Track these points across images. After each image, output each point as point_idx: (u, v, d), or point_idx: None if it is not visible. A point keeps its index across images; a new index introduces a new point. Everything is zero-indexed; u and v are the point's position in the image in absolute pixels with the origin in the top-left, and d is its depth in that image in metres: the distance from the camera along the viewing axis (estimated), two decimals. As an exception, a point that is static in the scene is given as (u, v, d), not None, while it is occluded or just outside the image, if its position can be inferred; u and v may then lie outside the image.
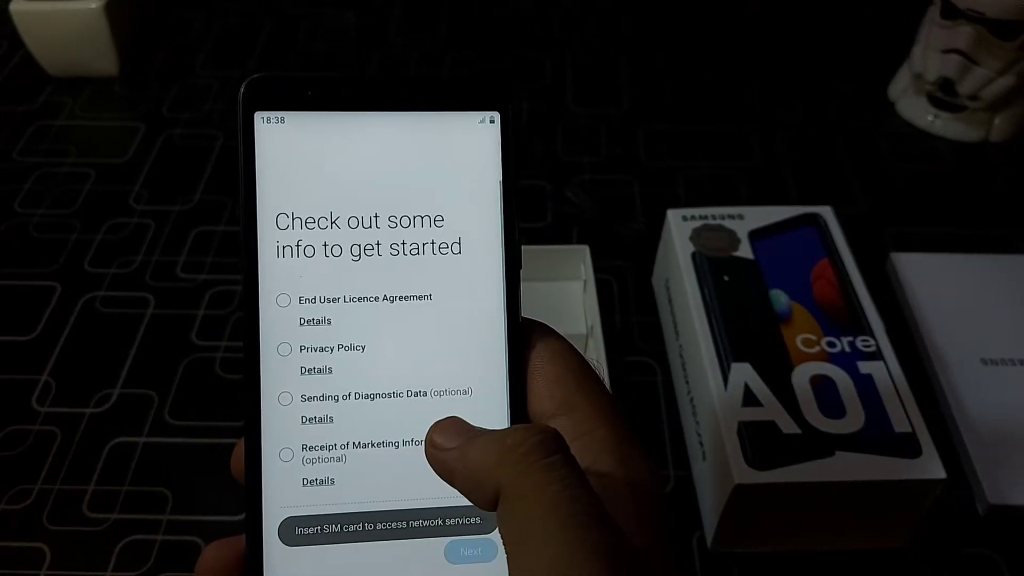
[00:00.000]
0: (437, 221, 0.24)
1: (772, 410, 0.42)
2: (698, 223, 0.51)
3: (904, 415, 0.42)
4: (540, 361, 0.24)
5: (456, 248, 0.24)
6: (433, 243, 0.24)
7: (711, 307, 0.47)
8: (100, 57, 0.70)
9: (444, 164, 0.24)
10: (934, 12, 0.64)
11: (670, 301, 0.52)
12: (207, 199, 0.62)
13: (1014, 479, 0.45)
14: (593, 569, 0.18)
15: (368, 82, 0.24)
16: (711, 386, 0.43)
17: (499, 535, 0.21)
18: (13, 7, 0.67)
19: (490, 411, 0.24)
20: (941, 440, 0.43)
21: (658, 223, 0.54)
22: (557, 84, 0.72)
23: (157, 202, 0.61)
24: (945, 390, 0.49)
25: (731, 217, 0.51)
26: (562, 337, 0.25)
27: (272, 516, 0.23)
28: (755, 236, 0.50)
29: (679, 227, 0.51)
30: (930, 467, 0.40)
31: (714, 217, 0.51)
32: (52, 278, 0.56)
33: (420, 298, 0.24)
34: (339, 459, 0.24)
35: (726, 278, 0.48)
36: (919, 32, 0.66)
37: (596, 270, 0.52)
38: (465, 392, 0.24)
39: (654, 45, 0.76)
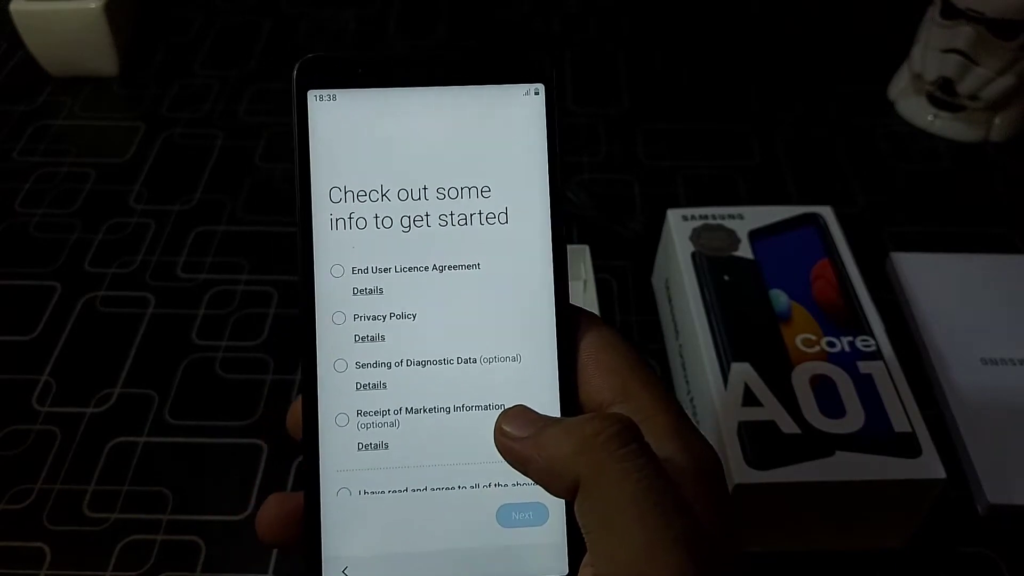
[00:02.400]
0: (484, 192, 0.25)
1: (772, 410, 0.42)
2: (698, 223, 0.51)
3: (904, 415, 0.42)
4: (593, 351, 0.24)
5: (503, 218, 0.25)
6: (480, 213, 0.25)
7: (711, 307, 0.47)
8: (100, 57, 0.70)
9: (491, 136, 0.25)
10: (934, 12, 0.64)
11: (670, 301, 0.52)
12: (207, 199, 0.62)
13: (1014, 479, 0.45)
14: (675, 557, 0.19)
15: (416, 59, 0.25)
16: (711, 386, 0.43)
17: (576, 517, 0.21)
18: (13, 7, 0.67)
19: (539, 378, 0.25)
20: (941, 440, 0.43)
21: (658, 223, 0.54)
22: (557, 83, 0.72)
23: (157, 202, 0.61)
24: (945, 390, 0.49)
25: (731, 217, 0.51)
26: (611, 326, 0.25)
27: (329, 479, 0.24)
28: (755, 236, 0.50)
29: (679, 227, 0.51)
30: (930, 467, 0.40)
31: (714, 217, 0.51)
32: (52, 278, 0.56)
33: (468, 267, 0.25)
34: (392, 424, 0.25)
35: (726, 278, 0.48)
36: (919, 32, 0.66)
37: (596, 270, 0.52)
38: (514, 359, 0.25)
39: (653, 45, 0.76)
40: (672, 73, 0.73)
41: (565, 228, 0.25)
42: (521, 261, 0.25)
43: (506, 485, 0.24)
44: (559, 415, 0.25)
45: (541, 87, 0.25)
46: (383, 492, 0.24)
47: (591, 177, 0.63)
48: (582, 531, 0.21)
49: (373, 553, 0.24)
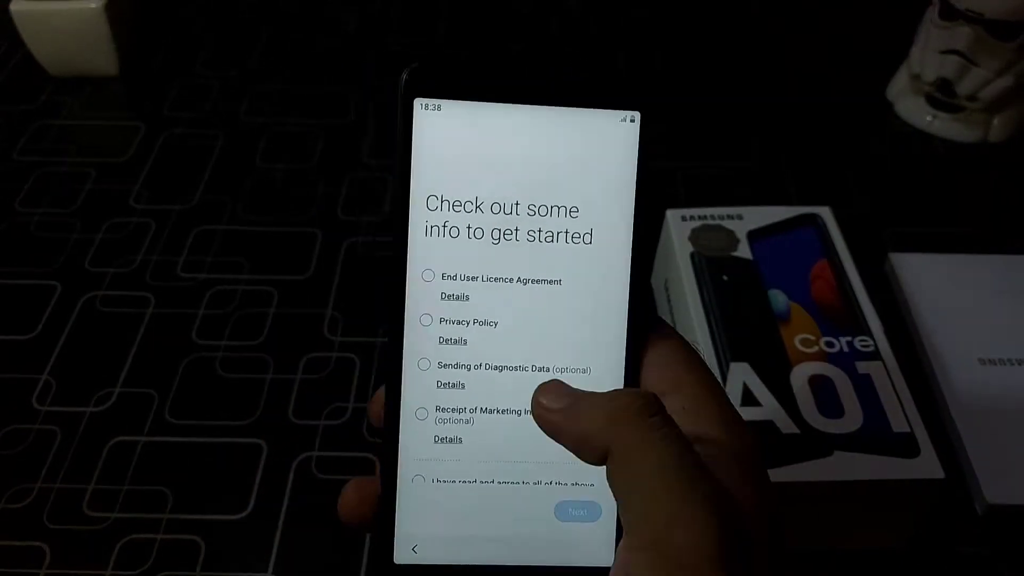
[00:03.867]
0: (572, 212, 0.26)
1: (770, 410, 0.42)
2: (697, 223, 0.51)
3: (902, 415, 0.42)
4: (652, 347, 0.26)
5: (588, 239, 0.26)
6: (567, 232, 0.26)
7: (710, 307, 0.47)
8: (100, 57, 0.70)
9: (584, 158, 0.26)
10: (932, 13, 0.64)
11: (669, 301, 0.52)
12: (207, 199, 0.62)
13: (1012, 479, 0.45)
14: (703, 515, 0.20)
15: (523, 76, 0.26)
16: (710, 386, 0.43)
17: (606, 493, 0.23)
18: (13, 7, 0.67)
19: (606, 388, 0.26)
20: (939, 440, 0.43)
21: (657, 223, 0.54)
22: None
23: (157, 201, 0.61)
24: (943, 390, 0.49)
25: (730, 217, 0.51)
26: (673, 328, 0.27)
27: (406, 467, 0.26)
28: (754, 236, 0.50)
29: (678, 227, 0.51)
30: (928, 467, 0.40)
31: (713, 217, 0.51)
32: (52, 277, 0.56)
33: (551, 282, 0.26)
34: (467, 421, 0.26)
35: (725, 278, 0.48)
36: (917, 33, 0.67)
37: (595, 270, 0.52)
38: (584, 371, 0.26)
39: (653, 45, 0.76)
40: (671, 73, 0.74)
41: (647, 252, 0.26)
42: (599, 280, 0.26)
43: (566, 484, 0.26)
44: None
45: (637, 115, 0.26)
46: (454, 481, 0.26)
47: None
48: (614, 496, 0.22)
49: (441, 534, 0.26)
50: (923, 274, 0.55)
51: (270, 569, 0.42)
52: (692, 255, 0.50)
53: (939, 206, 0.62)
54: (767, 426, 0.41)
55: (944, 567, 0.43)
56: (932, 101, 0.67)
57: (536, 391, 0.25)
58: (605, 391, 0.24)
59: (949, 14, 0.62)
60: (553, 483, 0.26)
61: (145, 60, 0.73)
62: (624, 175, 0.26)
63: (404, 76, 0.25)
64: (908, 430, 0.41)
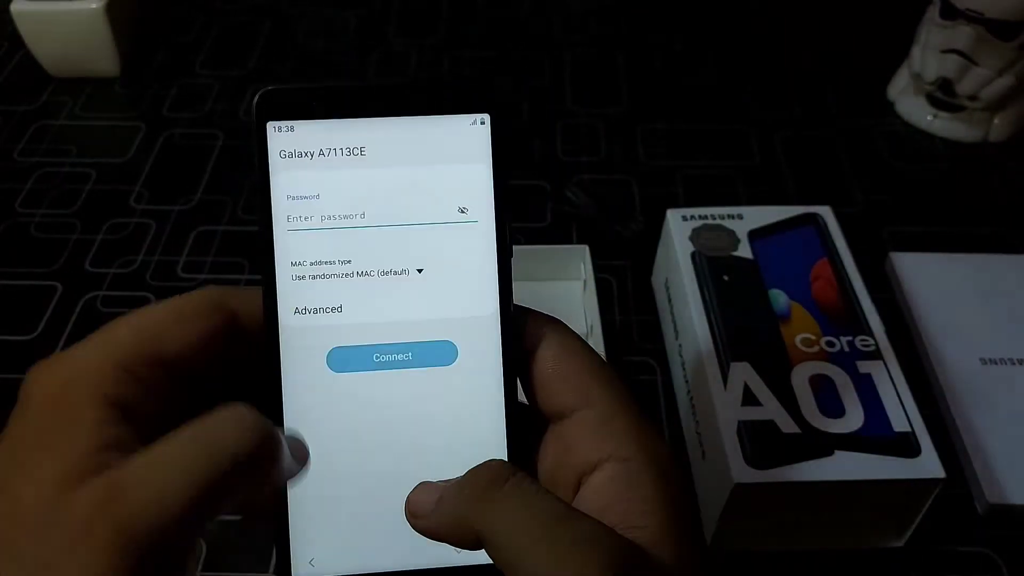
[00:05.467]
0: (430, 216, 0.26)
1: (771, 409, 0.42)
2: (698, 223, 0.51)
3: (903, 414, 0.42)
4: (555, 360, 0.25)
5: (447, 229, 0.26)
6: (427, 224, 0.26)
7: (710, 307, 0.47)
8: (100, 57, 0.70)
9: (440, 162, 0.26)
10: (933, 12, 0.64)
11: (670, 301, 0.52)
12: (208, 199, 0.62)
13: (1013, 478, 0.45)
14: (580, 555, 0.20)
15: (367, 91, 0.26)
16: (710, 385, 0.43)
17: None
18: (13, 7, 0.67)
19: (480, 380, 0.26)
20: (940, 439, 0.43)
21: (658, 223, 0.54)
22: (556, 84, 0.72)
23: (158, 202, 0.61)
24: (944, 389, 0.49)
25: (730, 217, 0.51)
26: (572, 331, 0.26)
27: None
28: (754, 236, 0.50)
29: (679, 227, 0.51)
30: (929, 466, 0.40)
31: (714, 217, 0.51)
32: (53, 278, 0.56)
33: (419, 271, 0.26)
34: (349, 430, 0.26)
35: (726, 278, 0.48)
36: (918, 32, 0.67)
37: (596, 270, 0.52)
38: (457, 367, 0.26)
39: (653, 45, 0.76)
40: (672, 73, 0.74)
41: (511, 245, 0.26)
42: (465, 273, 0.26)
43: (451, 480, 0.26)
44: (503, 417, 0.26)
45: (487, 117, 0.26)
46: (343, 491, 0.26)
47: (591, 177, 0.63)
48: (504, 572, 0.22)
49: (335, 545, 0.25)
50: (924, 274, 0.55)
51: (270, 569, 0.42)
52: (693, 255, 0.50)
53: (939, 206, 0.62)
54: (768, 425, 0.41)
55: (944, 567, 0.43)
56: (933, 100, 0.67)
57: (406, 502, 0.25)
58: (457, 477, 0.24)
59: (949, 13, 0.62)
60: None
61: (145, 60, 0.73)
62: (481, 175, 0.26)
63: (255, 102, 0.25)
64: (909, 429, 0.41)
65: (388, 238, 0.26)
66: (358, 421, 0.26)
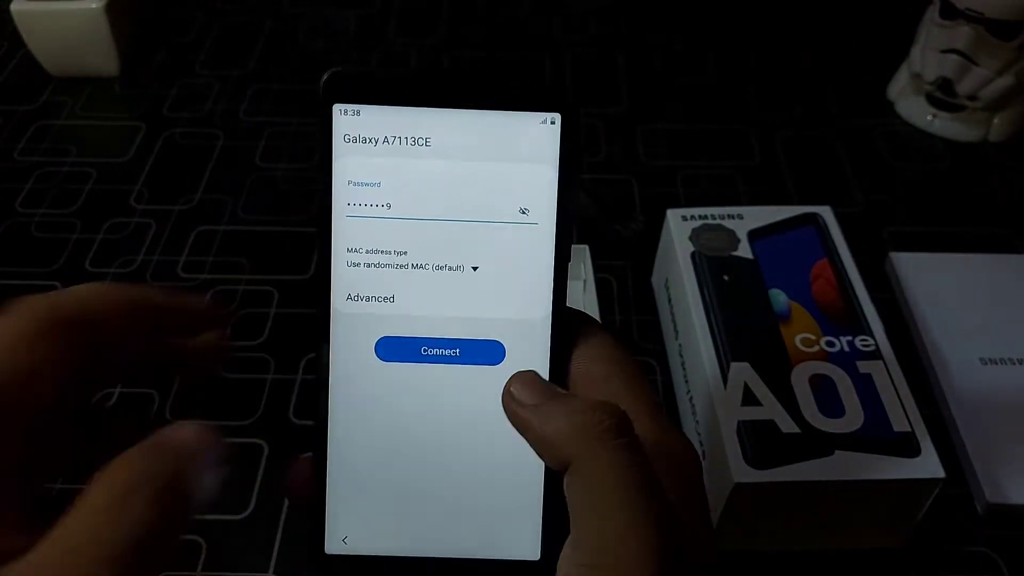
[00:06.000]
0: (492, 211, 0.26)
1: (771, 409, 0.42)
2: (698, 223, 0.51)
3: (903, 414, 0.42)
4: (587, 362, 0.26)
5: (509, 233, 0.26)
6: (488, 228, 0.26)
7: (710, 307, 0.47)
8: (100, 57, 0.70)
9: (504, 160, 0.26)
10: (933, 12, 0.64)
11: (670, 301, 0.52)
12: (208, 198, 0.62)
13: (1013, 478, 0.45)
14: (650, 533, 0.21)
15: (437, 79, 0.26)
16: (710, 385, 0.43)
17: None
18: (13, 7, 0.67)
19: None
20: (940, 439, 0.43)
21: (658, 223, 0.54)
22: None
23: (158, 202, 0.61)
24: (944, 389, 0.49)
25: (731, 217, 0.51)
26: (606, 331, 0.27)
27: (336, 457, 0.26)
28: (754, 236, 0.50)
29: (679, 227, 0.51)
30: (929, 466, 0.40)
31: (714, 217, 0.51)
32: (53, 278, 0.56)
33: (474, 268, 0.26)
34: (395, 414, 0.26)
35: (725, 278, 0.48)
36: (918, 32, 0.67)
37: (596, 270, 0.52)
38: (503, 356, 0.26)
39: (653, 45, 0.76)
40: (672, 73, 0.74)
41: (570, 250, 0.26)
42: (520, 270, 0.26)
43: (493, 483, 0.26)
44: None
45: (558, 116, 0.26)
46: (384, 473, 0.26)
47: (591, 177, 0.63)
48: (568, 505, 0.22)
49: (371, 525, 0.26)
50: (924, 274, 0.55)
51: (271, 569, 0.42)
52: (693, 255, 0.50)
53: (939, 206, 0.62)
54: (767, 425, 0.41)
55: (944, 567, 0.43)
56: (933, 100, 0.67)
57: (510, 379, 0.25)
58: (579, 399, 0.24)
59: (949, 13, 0.62)
60: (483, 476, 0.26)
61: (145, 60, 0.73)
62: (546, 177, 0.26)
63: (323, 82, 0.25)
64: (909, 429, 0.41)
65: (446, 233, 0.26)
66: (401, 410, 0.26)
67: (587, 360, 0.26)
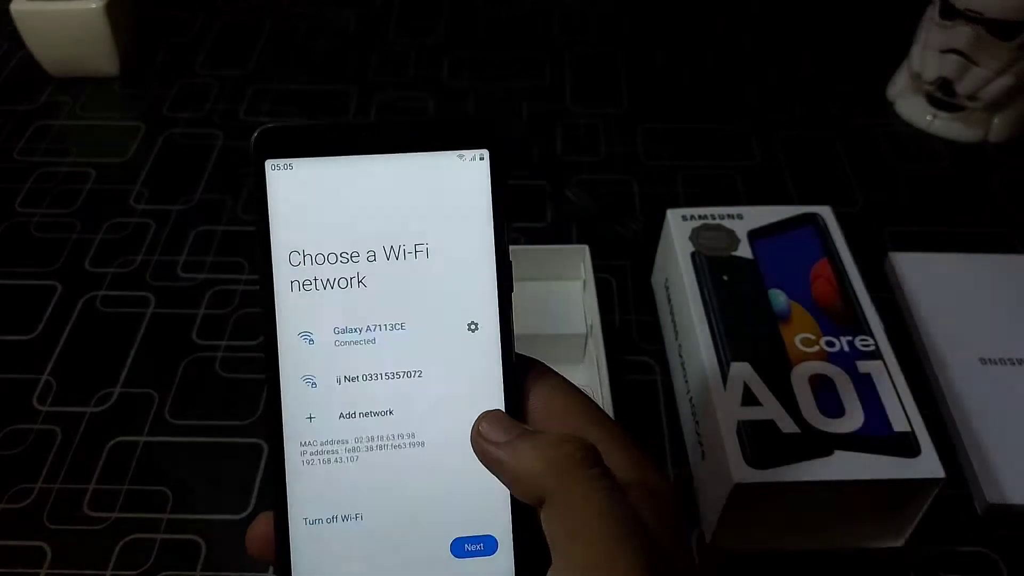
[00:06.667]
0: (429, 251, 0.26)
1: (771, 409, 0.42)
2: (697, 223, 0.51)
3: (903, 414, 0.42)
4: (544, 400, 0.26)
5: (446, 275, 0.26)
6: (424, 270, 0.26)
7: (710, 307, 0.47)
8: (100, 57, 0.70)
9: (438, 199, 0.26)
10: (933, 12, 0.64)
11: (669, 301, 0.52)
12: (207, 198, 0.62)
13: (1012, 478, 0.45)
14: (635, 560, 0.21)
15: (365, 127, 0.26)
16: (710, 385, 0.43)
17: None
18: (13, 7, 0.67)
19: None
20: (940, 439, 0.43)
21: (658, 223, 0.54)
22: (557, 84, 0.72)
23: (157, 201, 0.61)
24: (944, 389, 0.49)
25: (730, 217, 0.51)
26: (557, 374, 0.27)
27: (297, 513, 0.26)
28: (754, 236, 0.50)
29: (679, 227, 0.51)
30: (929, 466, 0.40)
31: (713, 217, 0.51)
32: (52, 277, 0.56)
33: (405, 326, 0.26)
34: (352, 459, 0.26)
35: (725, 278, 0.48)
36: (918, 32, 0.67)
37: (596, 270, 0.52)
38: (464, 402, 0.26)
39: (653, 44, 0.76)
40: (672, 73, 0.74)
41: (510, 289, 0.26)
42: (461, 318, 0.26)
43: (460, 521, 0.26)
44: None
45: (486, 152, 0.26)
46: (347, 527, 0.25)
47: (591, 177, 0.63)
48: (547, 537, 0.23)
49: None
50: (923, 273, 0.55)
51: (271, 570, 0.42)
52: (692, 255, 0.50)
53: (939, 206, 0.62)
54: (767, 425, 0.41)
55: (944, 566, 0.43)
56: (932, 100, 0.67)
57: (479, 419, 0.25)
58: (546, 434, 0.24)
59: (949, 13, 0.62)
60: (447, 521, 0.26)
61: (145, 60, 0.73)
62: (479, 211, 0.26)
63: (253, 139, 0.25)
64: (908, 429, 0.41)
65: (389, 288, 0.26)
66: (371, 451, 0.26)
67: (543, 398, 0.26)
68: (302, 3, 0.80)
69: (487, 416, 0.25)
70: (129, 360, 0.51)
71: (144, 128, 0.67)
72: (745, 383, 0.43)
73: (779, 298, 0.47)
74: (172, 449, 0.47)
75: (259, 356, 0.51)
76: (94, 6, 0.67)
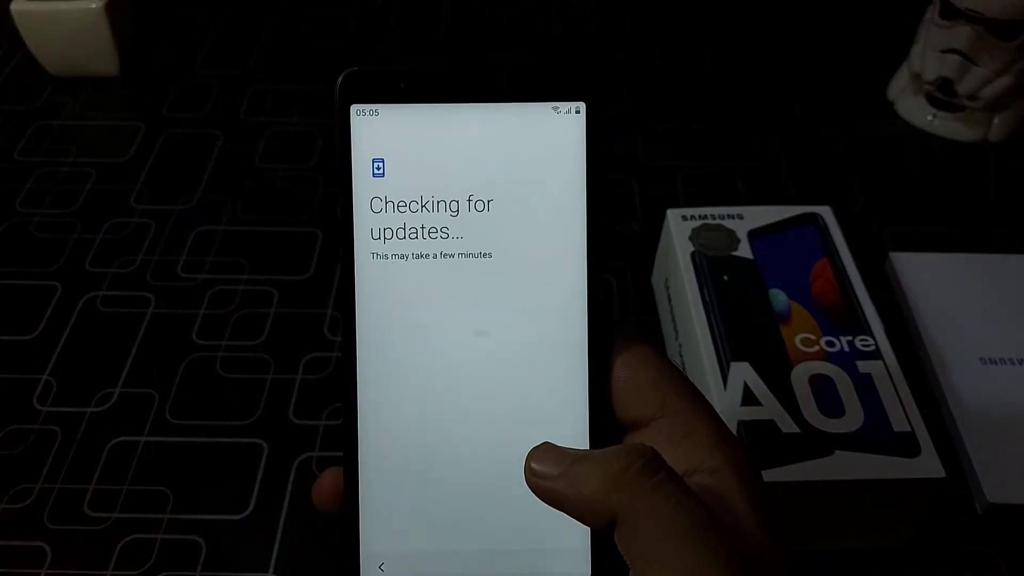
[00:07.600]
0: (518, 207, 0.25)
1: (771, 409, 0.42)
2: (697, 223, 0.51)
3: (903, 414, 0.42)
4: (629, 369, 0.25)
5: (537, 232, 0.25)
6: (514, 226, 0.25)
7: (710, 307, 0.47)
8: (100, 57, 0.70)
9: (527, 153, 0.25)
10: (933, 12, 0.64)
11: (669, 301, 0.52)
12: (207, 198, 0.62)
13: (1013, 478, 0.45)
14: (720, 564, 0.20)
15: (457, 74, 0.25)
16: (710, 385, 0.43)
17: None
18: (13, 7, 0.67)
19: (569, 396, 0.25)
20: (940, 439, 0.43)
21: (658, 223, 0.54)
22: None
23: (157, 202, 0.61)
24: (944, 389, 0.49)
25: (730, 217, 0.51)
26: (645, 340, 0.25)
27: (369, 481, 0.25)
28: (754, 236, 0.50)
29: (678, 227, 0.51)
30: (929, 466, 0.40)
31: (714, 217, 0.51)
32: (53, 278, 0.56)
33: (494, 265, 0.25)
34: (432, 429, 0.25)
35: (725, 278, 0.48)
36: (918, 32, 0.67)
37: (596, 270, 0.52)
38: (542, 378, 0.25)
39: (653, 44, 0.76)
40: (672, 73, 0.74)
41: (603, 248, 0.25)
42: (553, 274, 0.25)
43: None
44: (587, 428, 0.25)
45: (582, 105, 0.25)
46: (420, 496, 0.25)
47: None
48: (626, 560, 0.22)
49: (408, 551, 0.25)
50: (923, 274, 0.55)
51: (271, 569, 0.42)
52: (692, 255, 0.50)
53: (939, 206, 0.62)
54: (767, 425, 0.41)
55: (945, 566, 0.43)
56: (932, 100, 0.67)
57: (528, 456, 0.24)
58: (601, 451, 0.23)
59: (949, 13, 0.62)
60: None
61: (145, 60, 0.73)
62: (571, 170, 0.25)
63: (339, 82, 0.25)
64: (909, 429, 0.41)
65: (477, 239, 0.25)
66: (438, 427, 0.25)
67: (625, 368, 0.25)
68: (302, 3, 0.80)
69: (535, 453, 0.24)
70: (129, 360, 0.51)
71: (144, 128, 0.67)
72: (745, 383, 0.43)
73: (779, 298, 0.47)
74: (172, 449, 0.47)
75: (260, 357, 0.51)
76: (94, 6, 0.67)
